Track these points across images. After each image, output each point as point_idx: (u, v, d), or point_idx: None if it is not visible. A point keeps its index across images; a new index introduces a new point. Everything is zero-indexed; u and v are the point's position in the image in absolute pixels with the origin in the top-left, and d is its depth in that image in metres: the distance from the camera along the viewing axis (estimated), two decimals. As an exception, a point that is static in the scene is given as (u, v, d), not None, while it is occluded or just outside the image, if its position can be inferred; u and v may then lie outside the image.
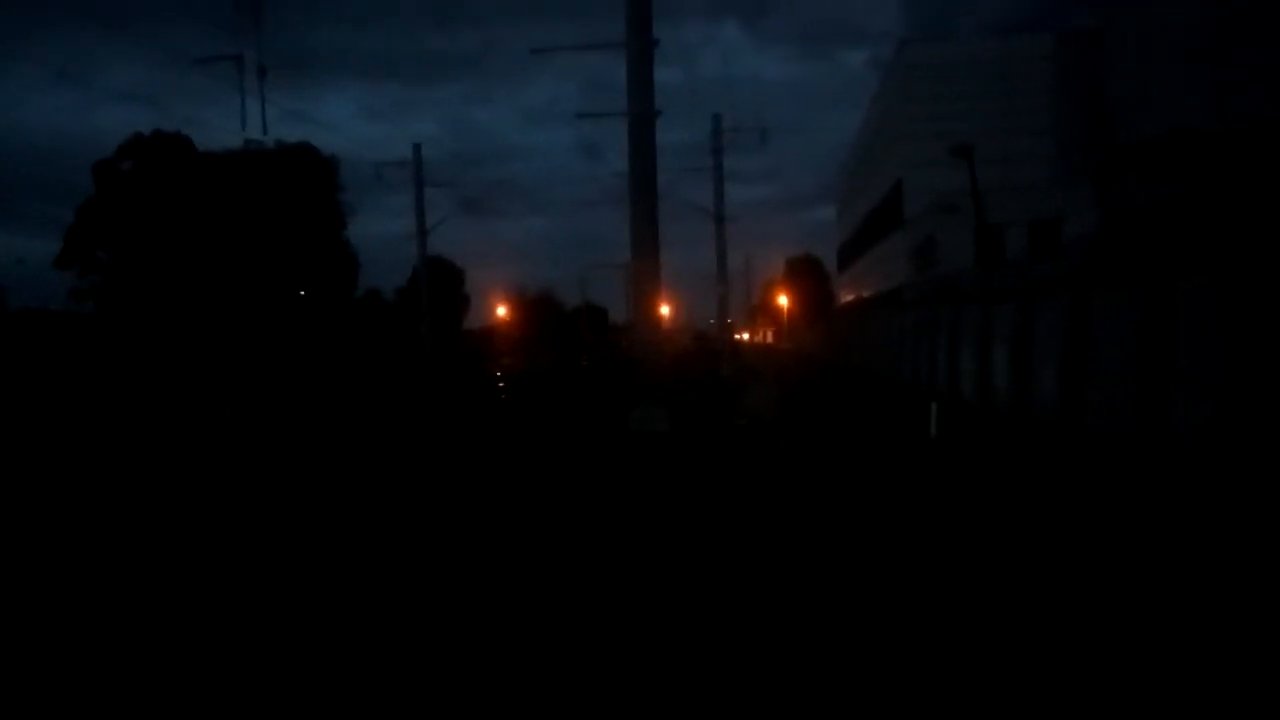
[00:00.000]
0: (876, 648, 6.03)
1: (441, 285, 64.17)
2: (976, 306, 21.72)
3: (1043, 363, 17.21)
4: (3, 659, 6.54)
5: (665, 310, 47.71)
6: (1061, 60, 40.50)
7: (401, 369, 42.69)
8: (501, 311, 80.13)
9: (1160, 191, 16.76)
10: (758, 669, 5.73)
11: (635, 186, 19.08)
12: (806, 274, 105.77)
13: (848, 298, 76.90)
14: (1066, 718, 5.07)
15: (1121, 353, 13.87)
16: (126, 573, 8.76)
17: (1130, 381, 13.53)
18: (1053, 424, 16.10)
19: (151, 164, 49.06)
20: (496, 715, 5.36)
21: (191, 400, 26.24)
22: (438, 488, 12.86)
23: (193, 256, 46.42)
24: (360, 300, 62.82)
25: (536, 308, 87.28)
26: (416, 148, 45.06)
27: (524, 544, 9.24)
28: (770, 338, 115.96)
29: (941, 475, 12.66)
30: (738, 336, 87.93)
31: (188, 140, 49.46)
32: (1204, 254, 11.82)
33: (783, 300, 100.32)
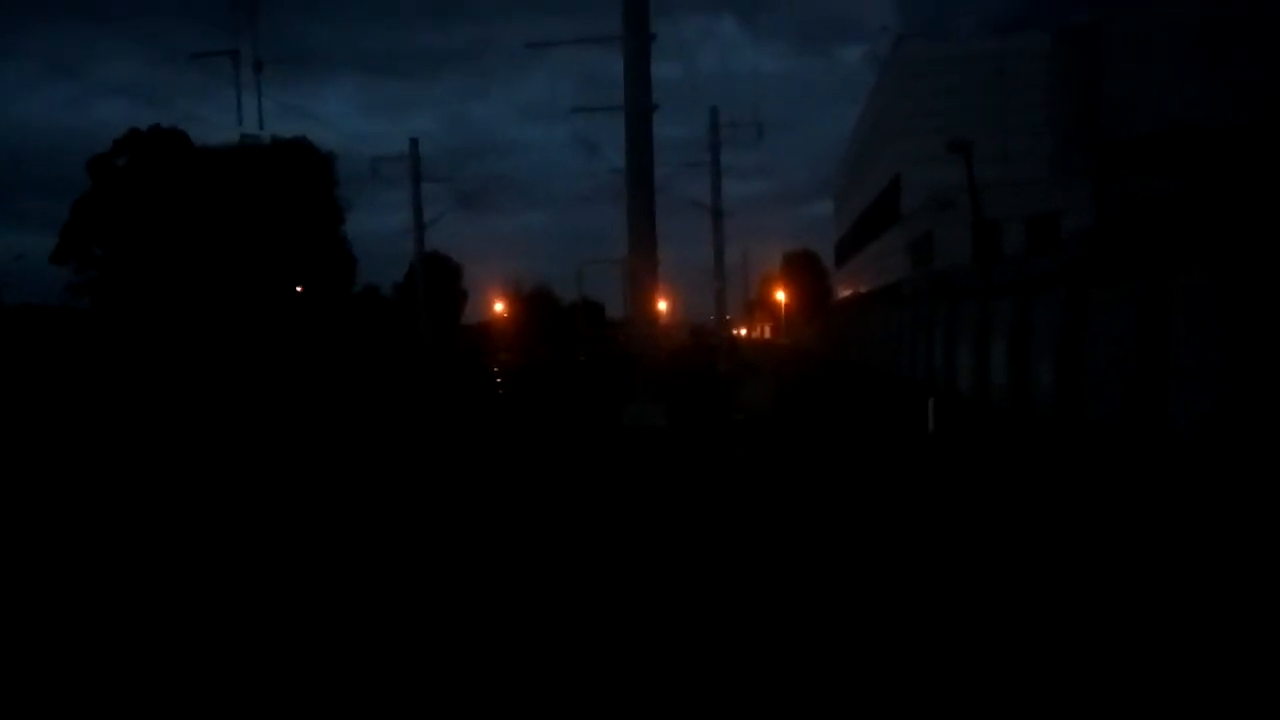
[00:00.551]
0: (872, 641, 6.05)
1: (439, 281, 64.18)
2: (974, 301, 21.75)
3: (1040, 358, 17.24)
4: (2, 658, 6.55)
5: (662, 305, 47.69)
6: (1058, 57, 40.48)
7: (399, 364, 42.68)
8: (499, 307, 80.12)
9: (1157, 187, 16.80)
10: (753, 662, 5.76)
11: (632, 182, 19.08)
12: (804, 269, 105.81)
13: (845, 293, 76.92)
14: (1065, 712, 5.09)
15: (1118, 347, 13.90)
16: (123, 569, 8.77)
17: (1127, 376, 13.56)
18: (1050, 419, 16.14)
19: (148, 159, 48.97)
20: (493, 711, 5.37)
21: (188, 396, 26.23)
22: (435, 482, 12.87)
23: (189, 252, 46.35)
24: (358, 296, 62.76)
25: (533, 303, 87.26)
26: (413, 143, 45.05)
27: (520, 538, 9.25)
28: (768, 333, 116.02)
29: (939, 471, 12.69)
30: (735, 332, 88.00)
31: (184, 136, 49.35)
32: (1201, 249, 11.85)
33: (780, 295, 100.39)
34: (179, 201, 46.82)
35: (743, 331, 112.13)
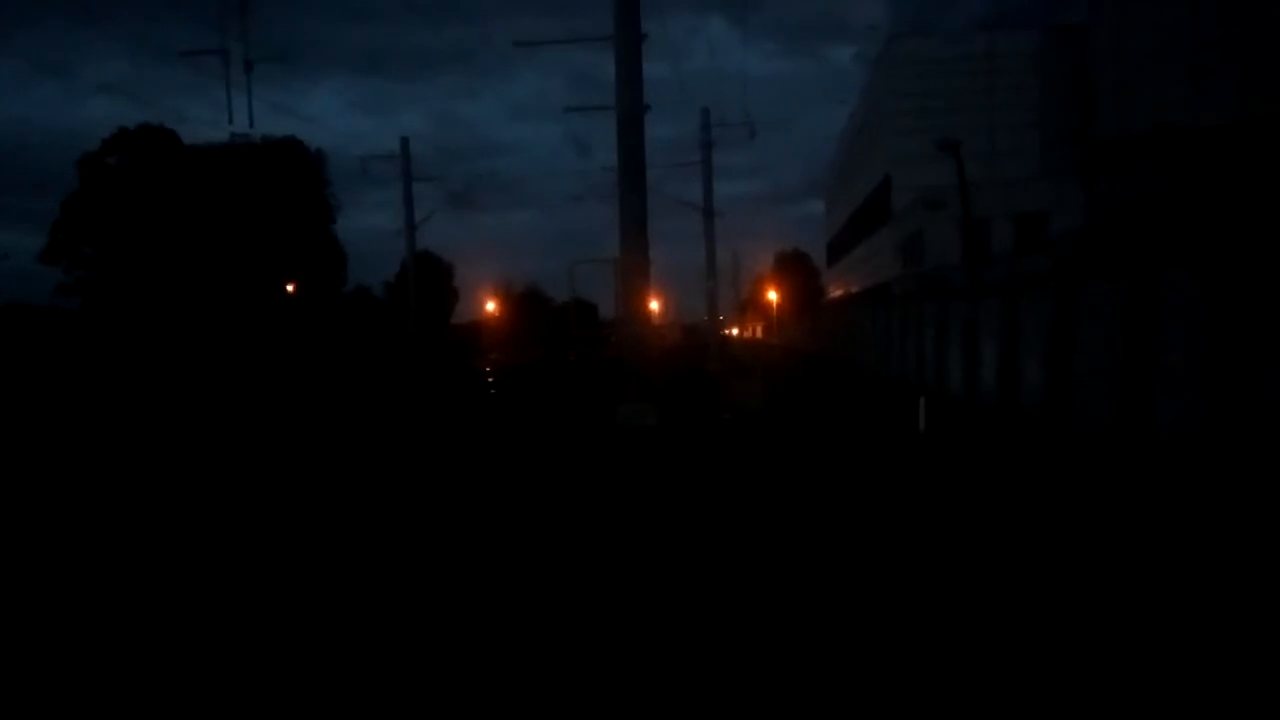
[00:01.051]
0: (863, 640, 6.10)
1: (430, 280, 64.02)
2: (963, 301, 21.86)
3: (1028, 357, 17.34)
4: (2, 659, 6.55)
5: (654, 305, 47.75)
6: (1047, 56, 40.71)
7: (390, 364, 42.60)
8: (490, 306, 79.96)
9: (1144, 187, 16.91)
10: (745, 659, 5.80)
11: (624, 182, 19.11)
12: (795, 269, 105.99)
13: (836, 292, 77.03)
14: (1055, 711, 5.15)
15: (1105, 348, 14.00)
16: (116, 568, 8.76)
17: (1114, 376, 13.66)
18: (1039, 419, 16.24)
19: (137, 158, 48.76)
20: (490, 710, 5.40)
21: (178, 395, 26.14)
22: (426, 482, 12.88)
23: (179, 251, 46.18)
24: (349, 295, 62.62)
25: (525, 303, 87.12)
26: (404, 142, 44.99)
27: (511, 537, 9.28)
28: (759, 332, 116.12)
29: (929, 470, 12.76)
30: (727, 331, 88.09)
31: (174, 134, 49.16)
32: (1187, 250, 11.95)
33: (771, 295, 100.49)
34: (169, 200, 46.63)
35: (734, 331, 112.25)
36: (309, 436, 19.45)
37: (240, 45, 25.35)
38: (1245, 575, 7.23)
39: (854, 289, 64.33)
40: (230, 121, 25.41)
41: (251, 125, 26.71)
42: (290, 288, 51.22)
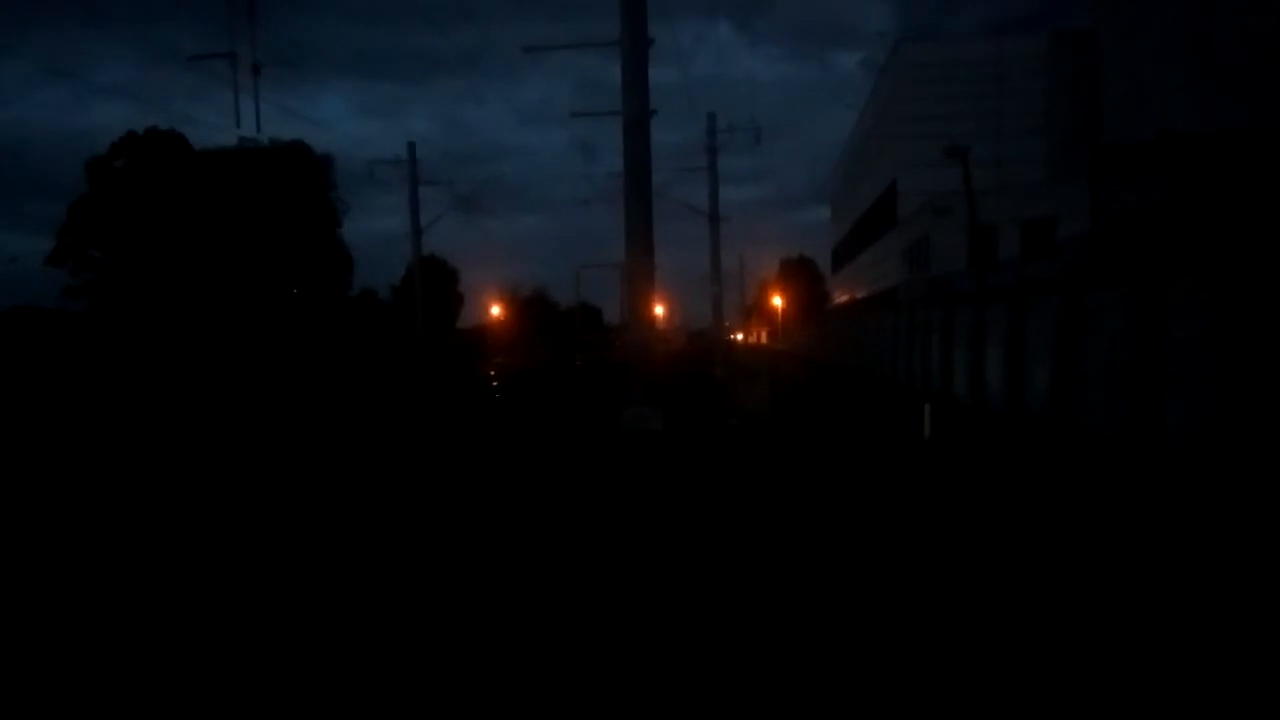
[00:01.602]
0: (867, 647, 6.06)
1: (436, 284, 64.22)
2: (969, 307, 21.79)
3: (1035, 363, 17.28)
4: (2, 658, 6.55)
5: (660, 310, 47.75)
6: (1055, 61, 40.60)
7: (396, 368, 42.66)
8: (495, 311, 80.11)
9: (1152, 193, 16.84)
10: (748, 665, 5.77)
11: (630, 186, 19.11)
12: (800, 274, 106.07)
13: (841, 298, 77.01)
14: (1057, 713, 5.11)
15: (1113, 353, 13.94)
16: (120, 570, 8.76)
17: (1123, 382, 13.60)
18: (1046, 425, 16.17)
19: (145, 162, 48.93)
20: (491, 709, 5.38)
21: (185, 398, 26.19)
22: (432, 486, 12.87)
23: (186, 254, 46.31)
24: (355, 299, 62.75)
25: (530, 307, 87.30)
26: (411, 146, 45.19)
27: (516, 540, 9.26)
28: (764, 338, 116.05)
29: (935, 477, 12.71)
30: (732, 337, 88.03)
31: (182, 138, 49.33)
32: (1196, 255, 11.90)
33: (777, 300, 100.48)
34: (176, 204, 46.79)
35: (739, 336, 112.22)
36: (315, 439, 19.47)
37: (248, 49, 25.44)
38: (1254, 581, 7.17)
39: (860, 295, 64.30)
40: (238, 125, 25.50)
41: (259, 129, 26.81)
42: (296, 291, 51.34)
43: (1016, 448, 15.13)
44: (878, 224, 57.60)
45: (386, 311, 66.19)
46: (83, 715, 5.55)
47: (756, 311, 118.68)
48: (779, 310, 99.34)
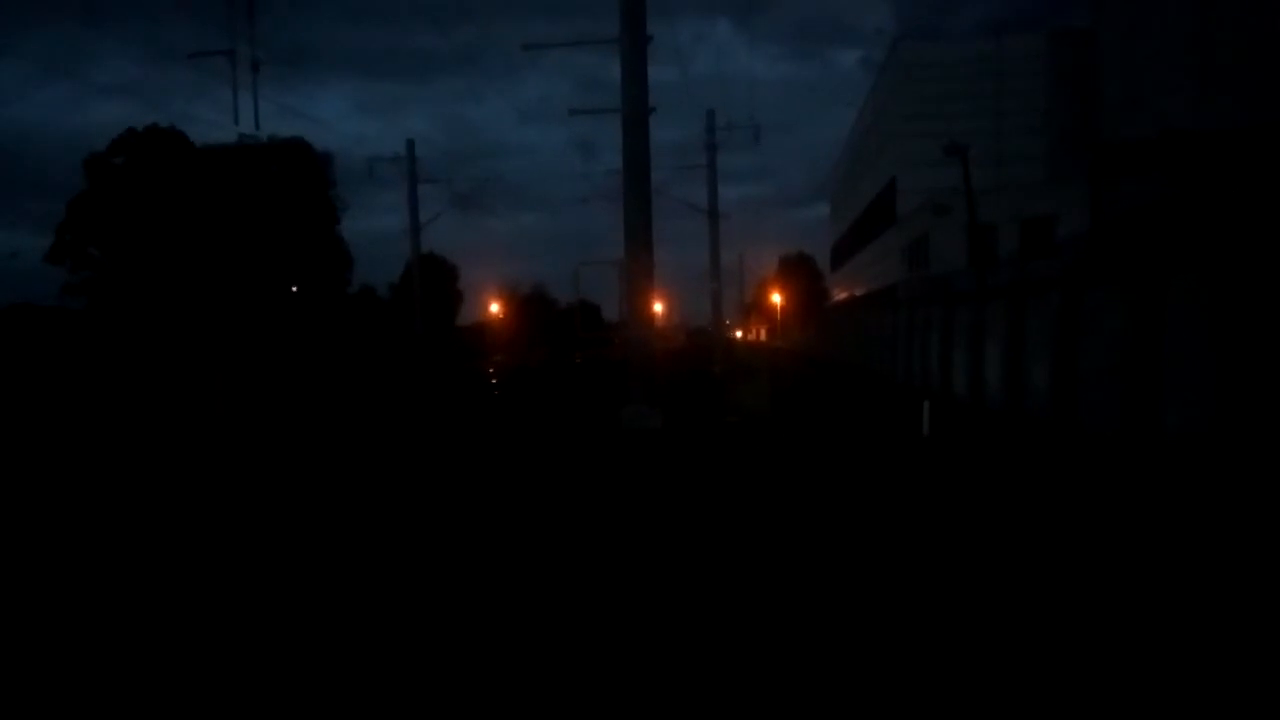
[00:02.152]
0: (866, 646, 6.06)
1: (435, 282, 64.17)
2: (969, 305, 21.81)
3: (1035, 361, 17.29)
4: (2, 659, 6.54)
5: (659, 308, 47.77)
6: (1053, 59, 40.57)
7: (395, 365, 42.66)
8: (495, 308, 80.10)
9: (1152, 191, 16.85)
10: (746, 658, 5.77)
11: (629, 184, 19.10)
12: (800, 272, 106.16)
13: (841, 296, 77.02)
14: (1056, 712, 5.12)
15: (1112, 351, 13.96)
16: (120, 569, 8.76)
17: (1122, 380, 13.61)
18: (1045, 423, 16.19)
19: (144, 159, 48.90)
20: (491, 709, 5.38)
21: (183, 396, 26.19)
22: (430, 483, 12.88)
23: (185, 252, 46.29)
24: (354, 296, 62.74)
25: (529, 305, 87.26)
26: (410, 143, 45.10)
27: (514, 538, 9.26)
28: (763, 336, 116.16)
29: (934, 474, 12.72)
30: (731, 334, 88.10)
31: (182, 135, 49.29)
32: (1195, 253, 11.91)
33: (776, 298, 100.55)
34: (175, 201, 46.76)
35: (739, 334, 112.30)
36: (314, 437, 19.47)
37: (247, 47, 25.39)
38: (1254, 577, 7.18)
39: (859, 292, 64.31)
40: (237, 123, 25.46)
41: (258, 126, 26.77)
42: (295, 289, 51.33)
43: (1016, 445, 15.13)
44: (877, 222, 57.61)
45: (385, 309, 66.18)
46: (83, 715, 5.56)
47: (756, 309, 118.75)
48: (778, 308, 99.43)
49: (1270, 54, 20.41)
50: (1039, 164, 43.00)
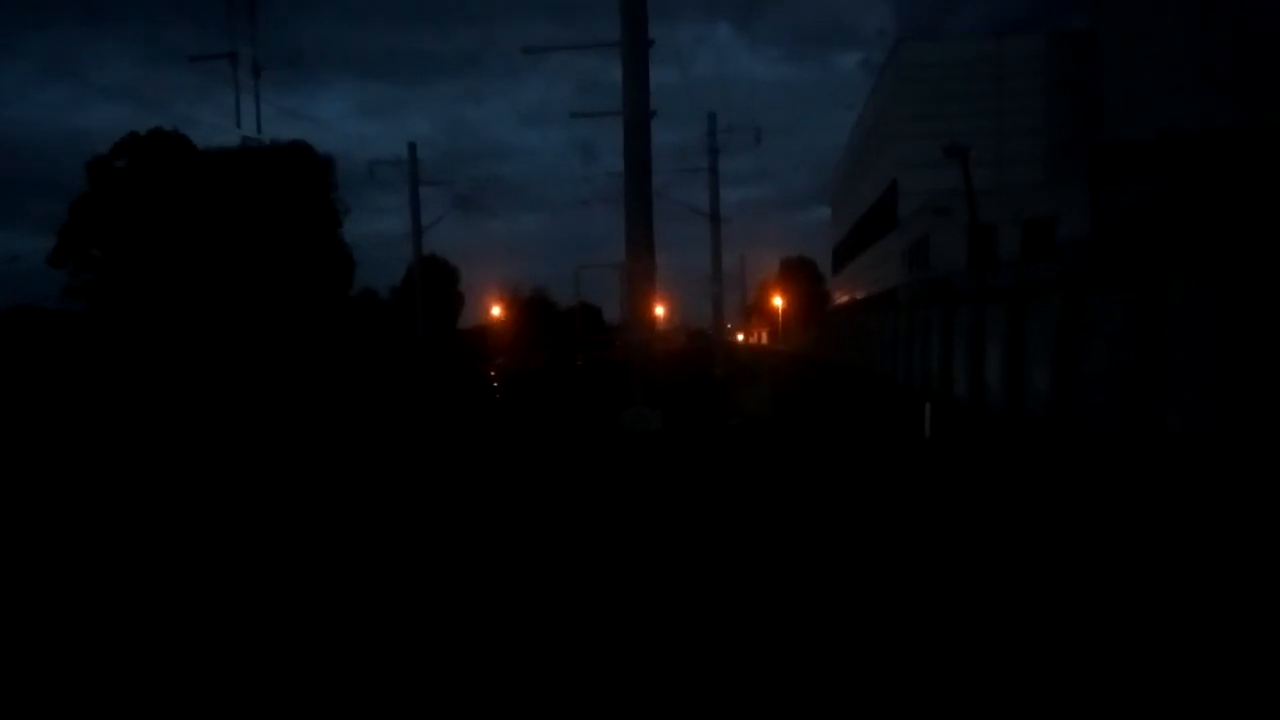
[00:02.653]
0: (868, 650, 6.08)
1: (436, 284, 64.23)
2: (969, 307, 21.83)
3: (1035, 363, 17.31)
4: (2, 659, 6.57)
5: (660, 310, 47.79)
6: (1054, 61, 40.65)
7: (396, 368, 42.69)
8: (496, 311, 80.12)
9: (1152, 192, 16.88)
10: (746, 659, 5.79)
11: (630, 186, 19.12)
12: (801, 275, 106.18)
13: (842, 298, 77.03)
14: (1055, 712, 5.14)
15: (1113, 353, 13.97)
16: (121, 572, 8.79)
17: (1121, 382, 13.63)
18: (1046, 425, 16.20)
19: (147, 162, 48.96)
20: (491, 710, 5.40)
21: (185, 398, 26.22)
22: (432, 486, 12.90)
23: (187, 254, 46.34)
24: (355, 299, 62.75)
25: (531, 307, 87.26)
26: (411, 147, 45.21)
27: (516, 540, 9.28)
28: (765, 338, 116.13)
29: (935, 476, 12.73)
30: (733, 337, 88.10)
31: (184, 138, 49.36)
32: (1195, 255, 11.93)
33: (777, 301, 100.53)
34: (178, 204, 46.82)
35: (740, 337, 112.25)
36: (316, 440, 19.49)
37: (249, 50, 25.47)
38: (1253, 579, 7.20)
39: (860, 295, 64.33)
40: (239, 126, 25.51)
41: (260, 130, 26.84)
42: (297, 292, 51.35)
43: (1016, 447, 15.15)
44: (878, 224, 57.62)
45: (387, 312, 66.21)
46: (83, 715, 5.58)
47: (757, 312, 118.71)
48: (779, 310, 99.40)
49: (1269, 55, 20.44)
50: (1039, 165, 43.06)
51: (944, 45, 51.13)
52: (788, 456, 14.69)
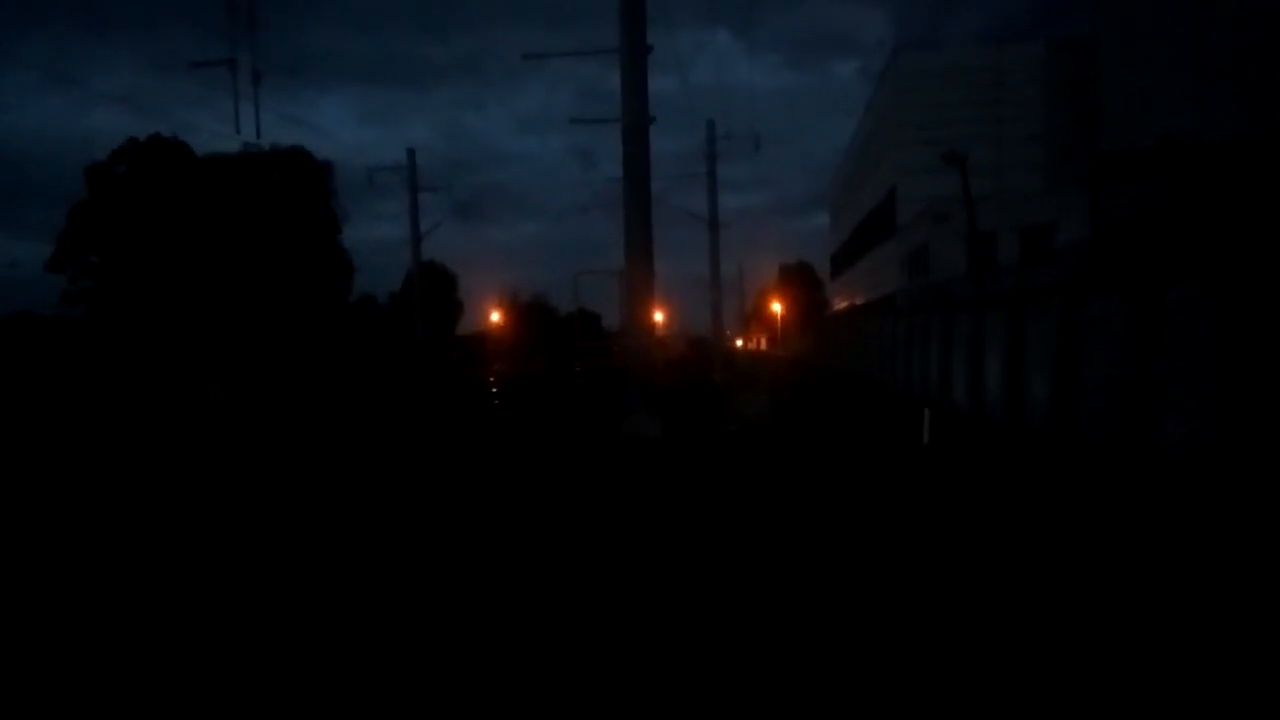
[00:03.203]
0: (868, 664, 6.04)
1: (435, 290, 64.26)
2: (968, 314, 21.81)
3: (1034, 370, 17.28)
4: (3, 660, 6.53)
5: (659, 316, 47.83)
6: (1053, 69, 40.70)
7: (396, 374, 42.65)
8: (495, 317, 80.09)
9: (1151, 199, 16.88)
10: (745, 667, 5.75)
11: (629, 193, 19.12)
12: (799, 281, 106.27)
13: (841, 305, 77.09)
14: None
15: (1112, 360, 13.94)
16: (120, 577, 8.74)
17: (1121, 390, 13.60)
18: (1045, 432, 16.16)
19: (146, 168, 48.98)
20: (490, 711, 5.37)
21: (184, 405, 26.19)
22: (430, 494, 12.85)
23: (186, 261, 46.34)
24: (354, 305, 62.76)
25: (530, 313, 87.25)
26: (410, 153, 45.23)
27: (514, 548, 9.24)
28: (764, 344, 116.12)
29: (934, 483, 12.70)
30: (732, 343, 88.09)
31: (184, 145, 49.39)
32: (1195, 262, 11.92)
33: (776, 307, 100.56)
34: (177, 210, 46.83)
35: (739, 343, 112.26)
36: (314, 447, 19.44)
37: (249, 56, 25.44)
38: (1253, 588, 7.16)
39: (859, 301, 64.36)
40: (238, 132, 25.47)
41: (259, 136, 26.81)
42: (296, 298, 51.36)
43: (1016, 455, 15.12)
44: (876, 231, 57.67)
45: (386, 318, 66.21)
46: (83, 715, 5.55)
47: (756, 318, 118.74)
48: (778, 317, 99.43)
49: (1269, 62, 20.47)
50: (1038, 172, 43.09)
51: (942, 53, 51.24)
52: (787, 463, 14.65)
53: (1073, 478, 12.74)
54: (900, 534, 9.43)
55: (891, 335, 32.05)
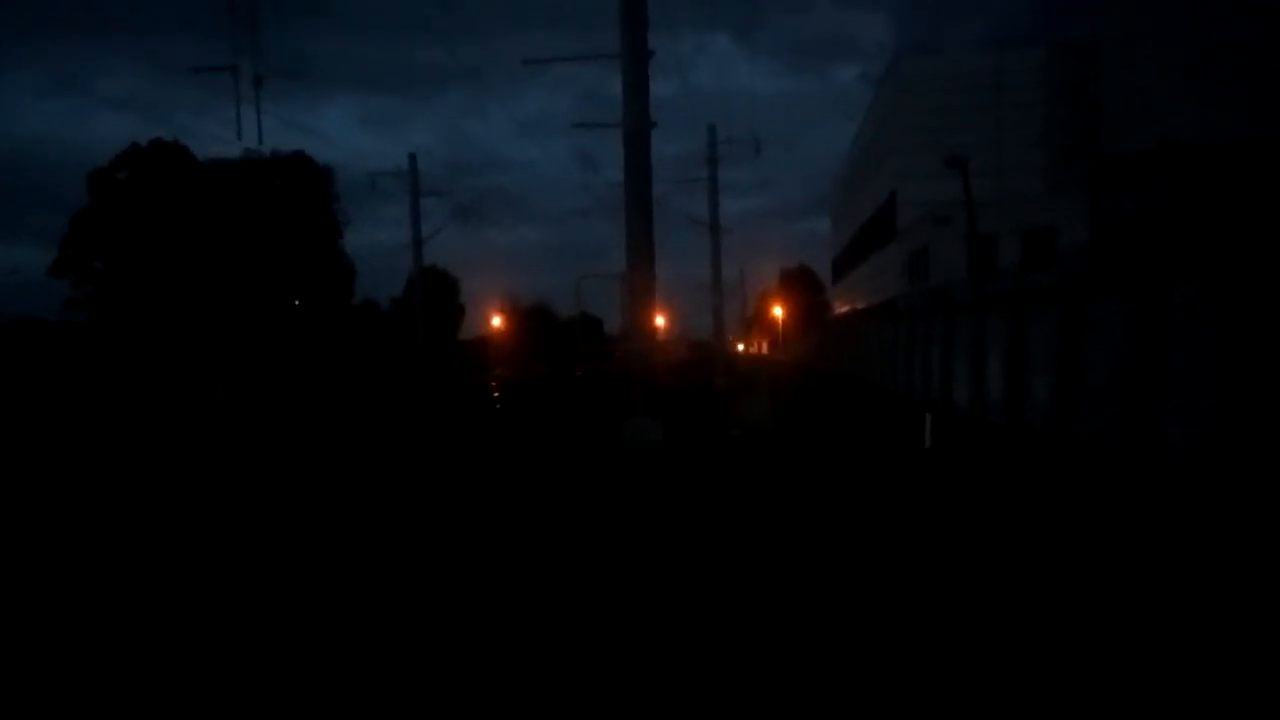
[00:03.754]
0: (870, 672, 6.05)
1: (437, 295, 64.36)
2: (969, 317, 21.80)
3: (1035, 373, 17.26)
4: (4, 661, 6.54)
5: (661, 321, 47.85)
6: (1054, 72, 40.72)
7: (397, 379, 42.67)
8: (496, 321, 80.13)
9: (1152, 202, 16.89)
10: (745, 672, 5.76)
11: (630, 197, 19.15)
12: (801, 285, 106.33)
13: (842, 308, 77.06)
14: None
15: (1113, 364, 13.93)
16: (123, 582, 8.75)
17: (1122, 393, 13.59)
18: (1047, 435, 16.15)
19: (148, 173, 49.08)
20: (490, 712, 5.38)
21: (187, 410, 26.21)
22: (431, 498, 12.86)
23: (188, 266, 46.41)
24: (356, 310, 62.84)
25: (531, 318, 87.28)
26: (412, 158, 45.35)
27: (515, 552, 9.25)
28: (765, 348, 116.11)
29: (935, 487, 12.70)
30: (733, 347, 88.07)
31: (185, 150, 49.48)
32: (1196, 265, 11.91)
33: (777, 311, 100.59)
34: (179, 216, 46.91)
35: (740, 347, 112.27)
36: (316, 451, 19.46)
37: (250, 62, 25.55)
38: (1256, 592, 7.16)
39: (860, 305, 64.34)
40: (240, 138, 25.57)
41: (261, 141, 26.92)
42: (298, 303, 51.42)
43: (1017, 459, 15.11)
44: (877, 235, 57.69)
45: (387, 322, 66.28)
46: (83, 715, 5.55)
47: (757, 322, 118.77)
48: (779, 321, 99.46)
49: (1269, 65, 20.48)
50: (1039, 176, 43.08)
51: (942, 58, 51.29)
52: (789, 467, 14.65)
53: (1074, 480, 12.74)
54: (902, 537, 9.44)
55: (892, 339, 32.04)
